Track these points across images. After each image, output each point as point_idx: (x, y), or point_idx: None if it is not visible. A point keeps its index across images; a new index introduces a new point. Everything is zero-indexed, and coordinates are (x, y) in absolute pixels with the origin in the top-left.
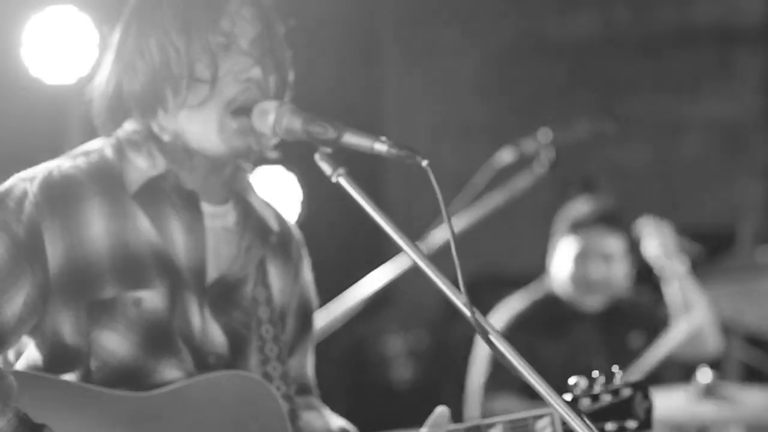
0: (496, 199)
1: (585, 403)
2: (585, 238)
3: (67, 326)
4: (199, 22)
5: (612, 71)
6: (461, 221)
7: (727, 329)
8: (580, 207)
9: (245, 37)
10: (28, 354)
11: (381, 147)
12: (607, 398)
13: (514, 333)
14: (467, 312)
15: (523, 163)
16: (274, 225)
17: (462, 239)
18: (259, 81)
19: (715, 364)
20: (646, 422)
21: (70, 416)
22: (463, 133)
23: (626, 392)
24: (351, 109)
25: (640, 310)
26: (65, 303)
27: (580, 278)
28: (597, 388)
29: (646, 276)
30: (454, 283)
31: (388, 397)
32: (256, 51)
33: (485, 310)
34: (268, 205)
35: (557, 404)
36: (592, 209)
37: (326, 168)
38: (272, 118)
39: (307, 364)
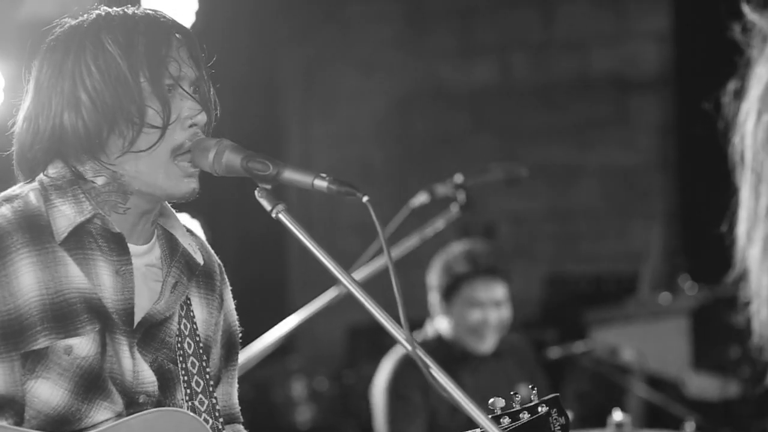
0: (410, 242)
1: (504, 422)
2: (476, 289)
3: (0, 377)
4: (152, 66)
5: (510, 119)
6: (376, 264)
7: (629, 371)
8: (460, 261)
9: (187, 80)
10: None
11: (321, 183)
12: (525, 416)
13: (406, 371)
14: (408, 346)
15: (435, 205)
16: (198, 257)
17: (372, 283)
18: (203, 126)
19: (620, 406)
20: None
21: None
22: (363, 177)
23: (542, 409)
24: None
25: (516, 347)
26: None
27: (479, 326)
28: (514, 407)
29: None
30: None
31: None
32: (197, 95)
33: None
34: (192, 235)
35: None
36: (473, 262)
37: (266, 204)
38: (212, 155)
39: (233, 392)
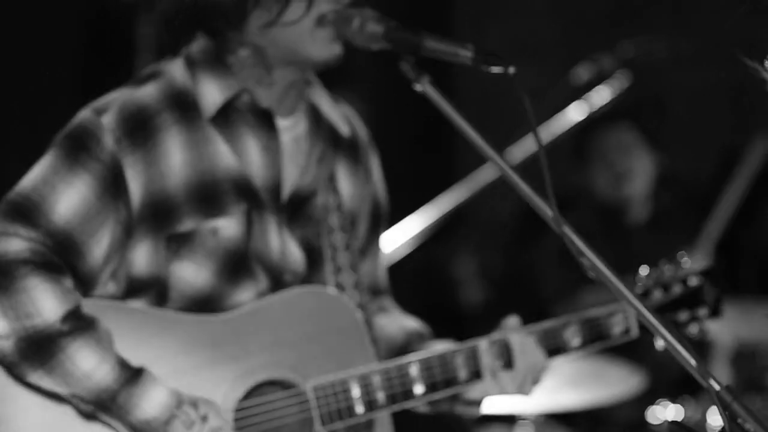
0: (573, 116)
1: (657, 295)
2: (601, 139)
3: (144, 258)
4: None
5: None
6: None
7: None
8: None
9: None
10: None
11: (466, 53)
12: (677, 289)
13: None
14: (555, 226)
15: (599, 79)
16: (343, 129)
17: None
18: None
19: None
20: (715, 310)
21: (150, 343)
22: (536, 50)
23: (695, 281)
24: (422, 25)
25: (677, 216)
26: (144, 235)
27: (612, 175)
28: (666, 278)
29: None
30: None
31: (459, 319)
32: None
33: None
34: (336, 107)
35: (644, 312)
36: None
37: (410, 76)
38: (356, 24)
39: (378, 266)
